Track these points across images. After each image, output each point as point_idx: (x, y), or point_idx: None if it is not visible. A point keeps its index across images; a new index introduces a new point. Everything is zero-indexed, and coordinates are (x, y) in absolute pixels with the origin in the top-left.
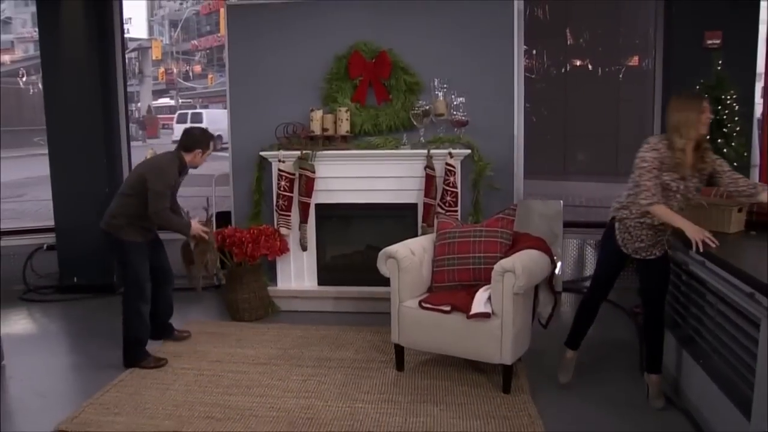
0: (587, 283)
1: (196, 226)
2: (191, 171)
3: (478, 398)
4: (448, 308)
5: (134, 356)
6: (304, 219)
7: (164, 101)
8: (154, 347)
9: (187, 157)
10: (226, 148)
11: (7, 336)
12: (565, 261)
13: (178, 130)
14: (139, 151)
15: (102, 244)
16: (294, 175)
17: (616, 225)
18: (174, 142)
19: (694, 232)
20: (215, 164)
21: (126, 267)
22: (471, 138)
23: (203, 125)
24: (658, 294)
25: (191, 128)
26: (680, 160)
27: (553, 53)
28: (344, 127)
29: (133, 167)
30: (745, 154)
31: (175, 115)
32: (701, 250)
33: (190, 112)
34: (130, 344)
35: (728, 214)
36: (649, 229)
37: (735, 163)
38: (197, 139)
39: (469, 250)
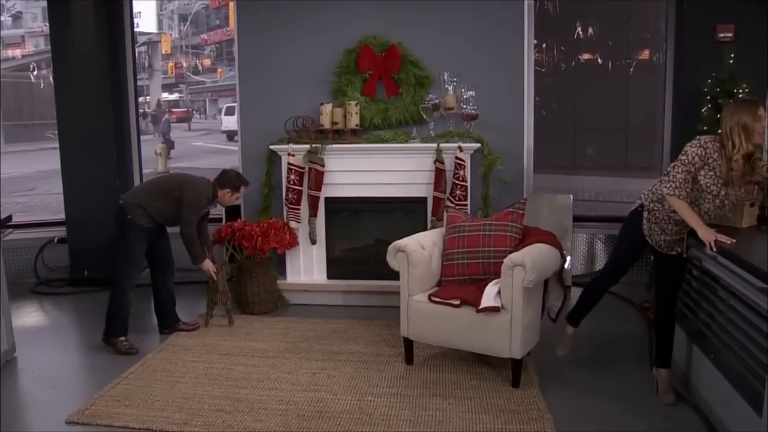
0: None
1: (209, 264)
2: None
3: (488, 392)
4: (457, 302)
5: (112, 330)
6: (313, 213)
7: (163, 95)
8: (164, 339)
9: (219, 192)
10: (236, 141)
11: (18, 328)
12: (575, 255)
13: (227, 121)
14: (150, 145)
15: (112, 235)
16: (303, 168)
17: (645, 215)
18: (226, 132)
19: (706, 234)
20: (225, 158)
21: (124, 245)
22: (481, 132)
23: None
24: (671, 290)
25: (230, 170)
26: (734, 171)
27: (563, 47)
28: (354, 121)
29: (143, 161)
30: None
31: (223, 108)
32: (714, 250)
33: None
34: (111, 317)
35: (740, 209)
36: (675, 225)
37: None
38: (230, 179)
39: (478, 244)
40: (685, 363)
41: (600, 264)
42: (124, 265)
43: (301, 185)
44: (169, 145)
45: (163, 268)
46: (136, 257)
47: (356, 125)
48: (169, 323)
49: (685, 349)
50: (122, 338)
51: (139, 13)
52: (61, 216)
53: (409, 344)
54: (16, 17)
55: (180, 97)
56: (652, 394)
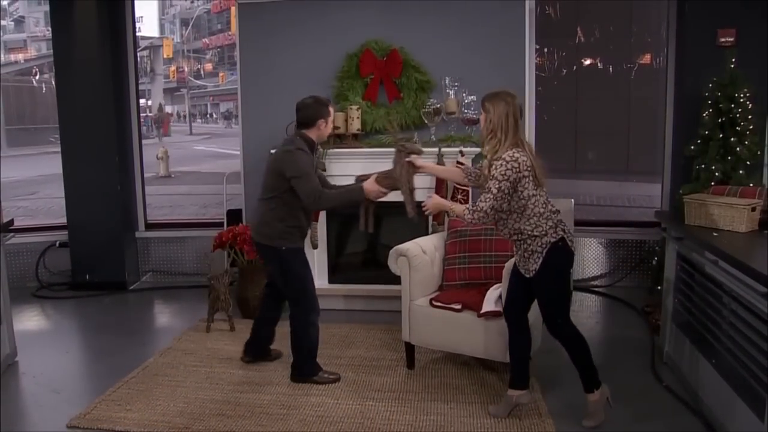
0: (598, 282)
1: (371, 185)
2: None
3: (489, 396)
4: (458, 306)
5: (309, 370)
6: (314, 217)
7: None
8: (166, 343)
9: (312, 134)
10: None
11: (20, 332)
12: (577, 260)
13: None
14: (152, 149)
15: (113, 239)
16: None
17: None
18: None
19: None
20: (226, 162)
21: (290, 277)
22: None
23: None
24: (548, 312)
25: (302, 101)
26: None
27: (564, 52)
28: (355, 126)
29: (144, 165)
30: (759, 152)
31: None
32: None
33: None
34: (303, 357)
35: (741, 214)
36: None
37: (748, 162)
38: (315, 110)
39: (480, 249)
40: (688, 367)
41: (601, 269)
42: (300, 297)
43: None
44: None
45: (277, 301)
46: (309, 284)
47: (358, 130)
48: (256, 357)
49: (688, 353)
50: (319, 372)
51: (141, 17)
52: (63, 220)
53: (410, 349)
54: (19, 21)
55: (161, 103)
56: (654, 398)
